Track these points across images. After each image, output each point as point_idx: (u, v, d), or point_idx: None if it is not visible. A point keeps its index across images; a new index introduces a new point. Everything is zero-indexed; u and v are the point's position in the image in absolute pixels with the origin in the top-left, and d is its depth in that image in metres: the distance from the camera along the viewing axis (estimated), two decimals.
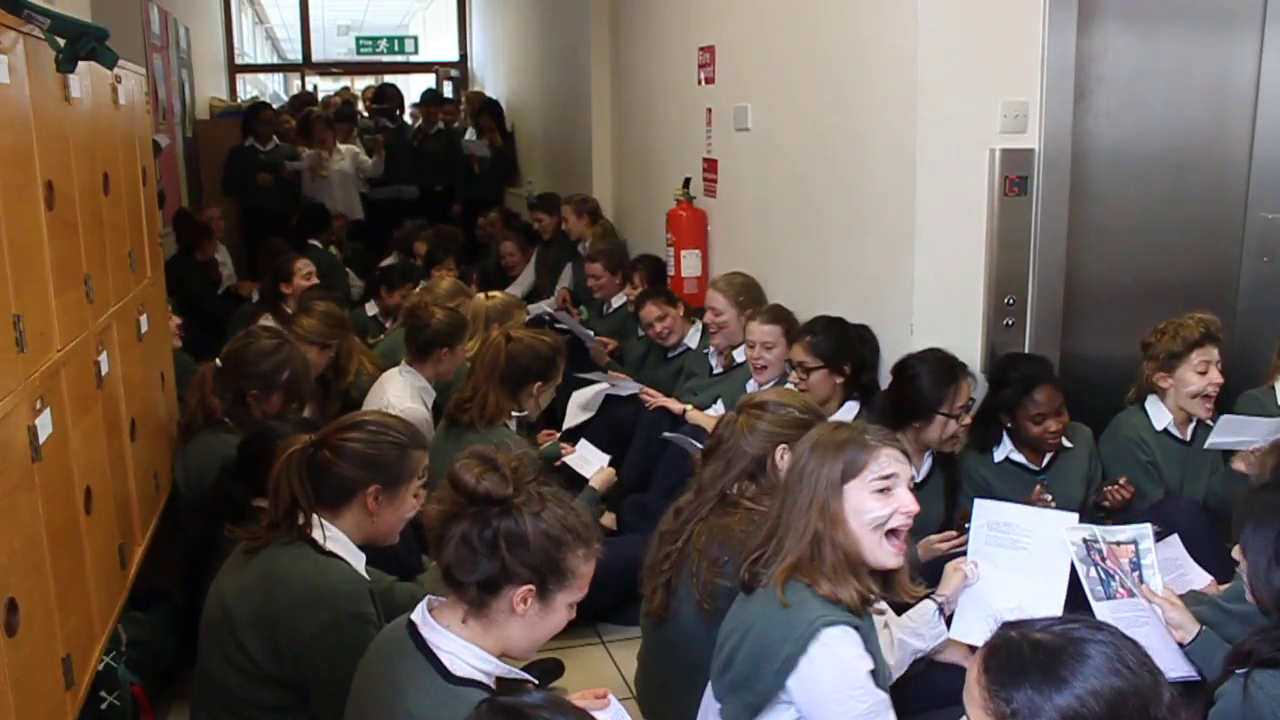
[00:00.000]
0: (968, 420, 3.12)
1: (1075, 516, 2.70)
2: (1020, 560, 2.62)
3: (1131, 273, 3.56)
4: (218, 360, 3.38)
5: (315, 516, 2.26)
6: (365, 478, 2.29)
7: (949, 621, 2.55)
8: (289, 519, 2.26)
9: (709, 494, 2.53)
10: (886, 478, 2.15)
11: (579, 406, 4.32)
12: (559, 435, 4.07)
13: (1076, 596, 2.56)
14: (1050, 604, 2.56)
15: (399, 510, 2.36)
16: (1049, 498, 3.06)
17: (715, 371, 4.29)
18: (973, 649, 2.56)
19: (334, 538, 2.27)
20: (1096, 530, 2.64)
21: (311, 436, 2.34)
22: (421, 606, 1.87)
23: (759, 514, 2.42)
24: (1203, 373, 3.16)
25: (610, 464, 3.69)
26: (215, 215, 7.03)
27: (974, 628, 2.56)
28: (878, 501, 2.14)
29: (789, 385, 3.53)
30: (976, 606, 2.59)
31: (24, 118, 2.04)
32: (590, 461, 3.71)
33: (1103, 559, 2.58)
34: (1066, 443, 3.24)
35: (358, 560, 2.31)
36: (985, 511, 2.73)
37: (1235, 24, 3.50)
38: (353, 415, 2.50)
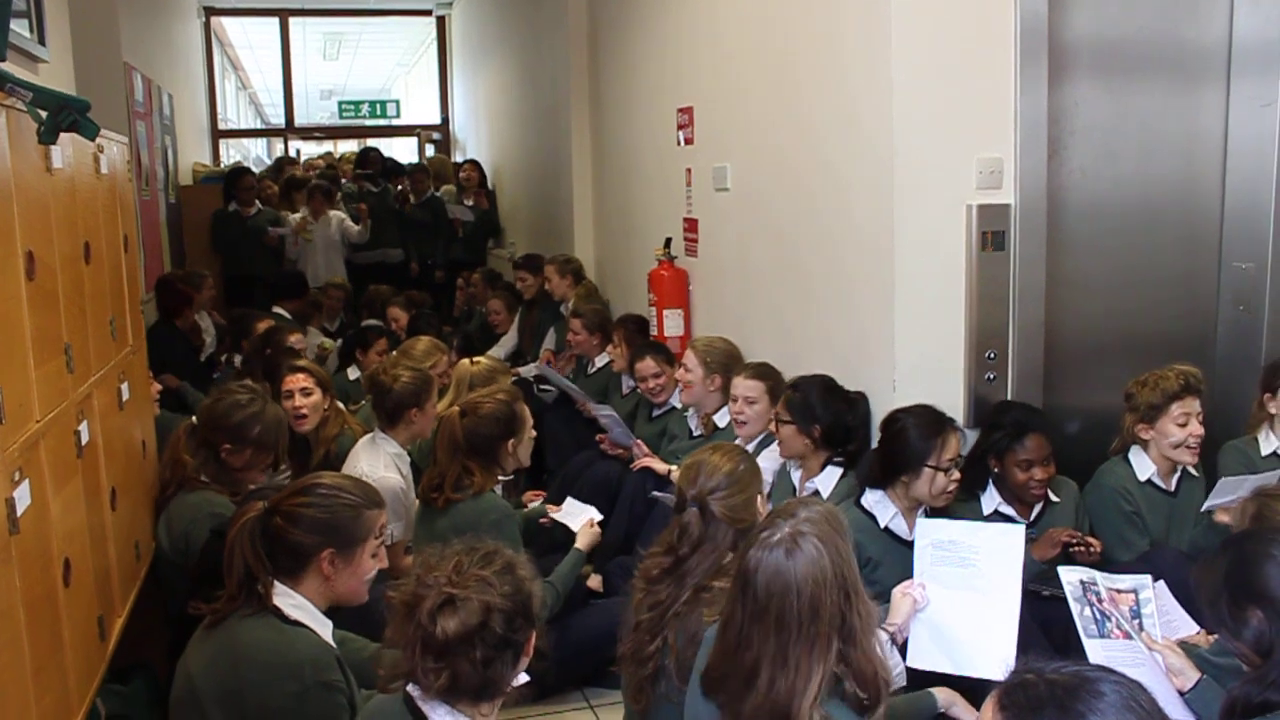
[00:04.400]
0: (957, 476, 3.10)
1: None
2: (969, 577, 2.59)
3: (1110, 324, 3.59)
4: (193, 418, 3.37)
5: (278, 584, 2.24)
6: (319, 543, 2.27)
7: (903, 650, 2.52)
8: (247, 590, 2.23)
9: (689, 583, 2.46)
10: None
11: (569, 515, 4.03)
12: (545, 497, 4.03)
13: (1070, 636, 2.54)
14: (1005, 618, 2.53)
15: (357, 572, 2.33)
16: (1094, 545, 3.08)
17: (695, 434, 4.24)
18: (973, 702, 2.53)
19: (298, 606, 2.25)
20: (1097, 575, 2.62)
21: (264, 503, 2.32)
22: None
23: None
24: (1183, 424, 3.17)
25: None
26: (209, 286, 6.99)
27: (930, 653, 2.53)
28: None
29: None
30: (930, 631, 2.55)
31: (5, 190, 2.05)
32: (578, 516, 3.67)
33: (1100, 601, 2.56)
34: (1054, 497, 3.23)
35: (323, 627, 2.28)
36: (928, 531, 2.71)
37: (1201, 77, 3.56)
38: (306, 479, 2.47)
